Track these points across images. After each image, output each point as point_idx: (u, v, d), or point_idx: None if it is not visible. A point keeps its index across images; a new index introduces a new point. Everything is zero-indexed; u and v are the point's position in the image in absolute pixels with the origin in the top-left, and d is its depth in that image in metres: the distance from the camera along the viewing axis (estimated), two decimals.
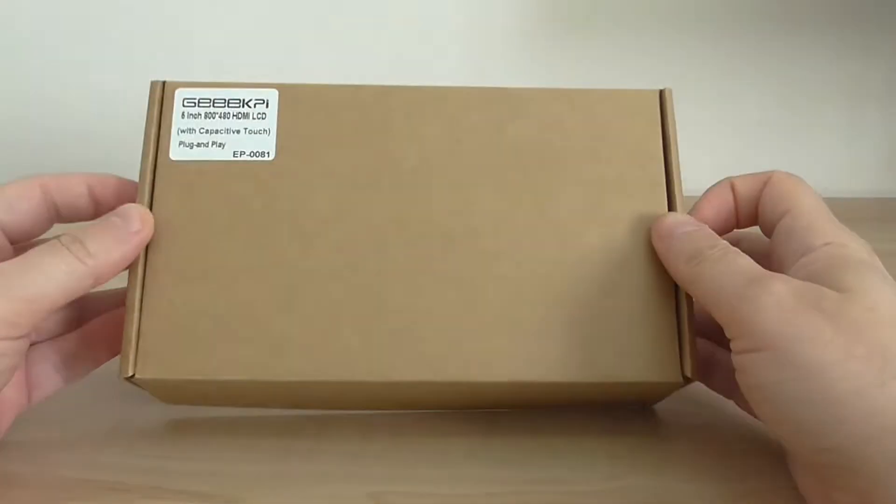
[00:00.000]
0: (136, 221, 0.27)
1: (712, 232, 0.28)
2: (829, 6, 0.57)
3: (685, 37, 0.57)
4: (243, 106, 0.30)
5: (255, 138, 0.29)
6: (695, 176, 0.59)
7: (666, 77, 0.59)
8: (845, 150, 0.60)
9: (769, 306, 0.24)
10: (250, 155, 0.29)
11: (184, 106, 0.29)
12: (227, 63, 0.57)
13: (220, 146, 0.29)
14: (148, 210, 0.28)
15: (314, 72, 0.57)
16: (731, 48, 0.58)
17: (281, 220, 0.28)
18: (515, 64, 0.58)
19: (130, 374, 0.27)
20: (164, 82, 0.30)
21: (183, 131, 0.29)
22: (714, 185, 0.31)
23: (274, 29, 0.57)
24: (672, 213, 0.29)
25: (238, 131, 0.29)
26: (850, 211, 0.57)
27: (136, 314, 0.27)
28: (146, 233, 0.28)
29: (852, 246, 0.26)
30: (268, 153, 0.29)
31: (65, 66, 0.56)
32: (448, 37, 0.57)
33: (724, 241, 0.27)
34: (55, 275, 0.25)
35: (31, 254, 0.26)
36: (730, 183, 0.30)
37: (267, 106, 0.30)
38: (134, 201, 0.28)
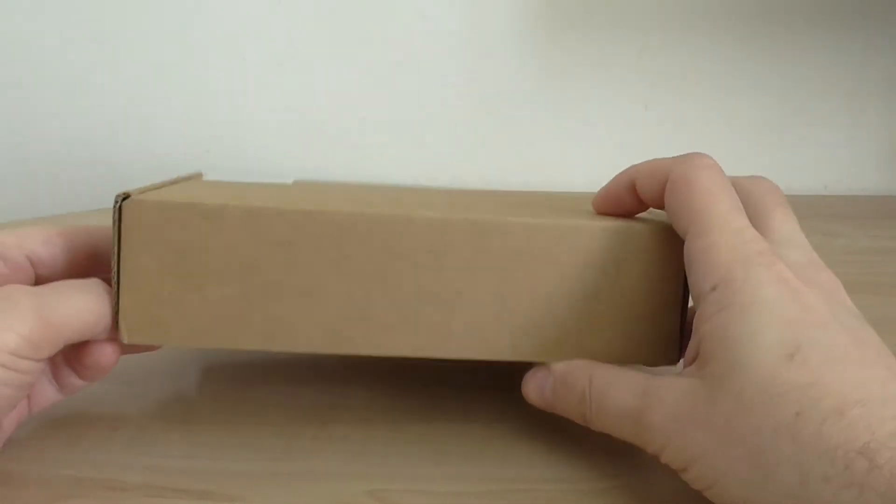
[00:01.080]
0: None
1: (570, 367, 0.28)
2: (828, 5, 0.57)
3: (685, 36, 0.57)
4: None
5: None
6: None
7: (665, 76, 0.59)
8: (846, 147, 0.60)
9: (659, 438, 0.25)
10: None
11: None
12: (226, 59, 0.57)
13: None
14: None
15: (313, 67, 0.57)
16: (731, 46, 0.58)
17: None
18: (515, 64, 0.58)
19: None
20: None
21: None
22: (614, 180, 0.30)
23: (273, 27, 0.56)
24: (529, 376, 0.29)
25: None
26: (851, 208, 0.58)
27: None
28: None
29: (737, 282, 0.24)
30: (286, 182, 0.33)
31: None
32: (448, 35, 0.57)
33: (591, 367, 0.28)
34: (85, 308, 0.26)
35: (68, 283, 0.26)
36: (630, 182, 0.29)
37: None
38: None
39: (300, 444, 0.30)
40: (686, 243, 0.26)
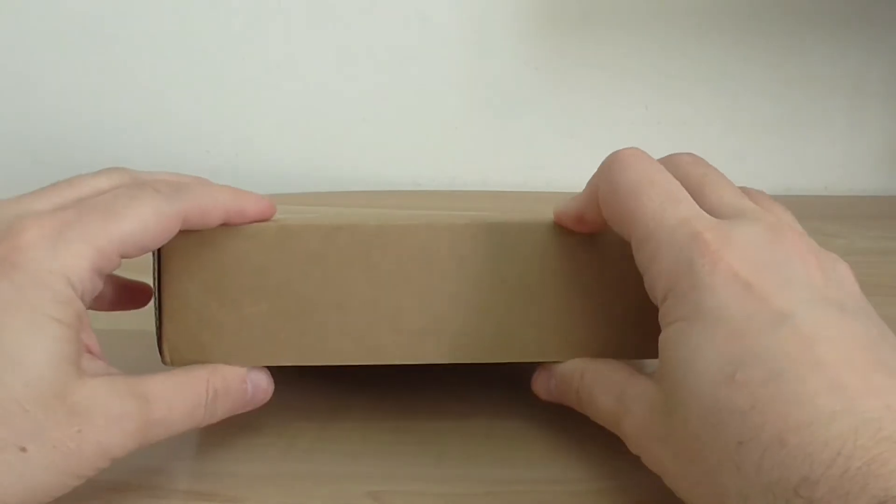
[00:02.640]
0: (262, 394, 0.28)
1: (566, 368, 0.28)
2: (829, 5, 0.57)
3: (685, 36, 0.57)
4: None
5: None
6: None
7: (665, 76, 0.59)
8: (846, 147, 0.60)
9: (633, 448, 0.25)
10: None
11: None
12: (226, 59, 0.57)
13: None
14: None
15: (313, 67, 0.57)
16: (732, 47, 0.58)
17: None
18: (516, 64, 0.58)
19: None
20: None
21: None
22: (563, 212, 0.28)
23: (273, 27, 0.56)
24: (536, 376, 0.30)
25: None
26: (851, 208, 0.58)
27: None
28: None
29: (681, 293, 0.23)
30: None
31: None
32: (448, 36, 0.57)
33: (582, 363, 0.28)
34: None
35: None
36: (577, 217, 0.28)
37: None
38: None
39: (300, 444, 0.30)
40: (633, 253, 0.25)
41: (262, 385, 0.28)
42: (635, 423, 0.25)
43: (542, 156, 0.60)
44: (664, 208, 0.24)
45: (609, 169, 0.26)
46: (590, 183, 0.27)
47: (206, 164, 0.59)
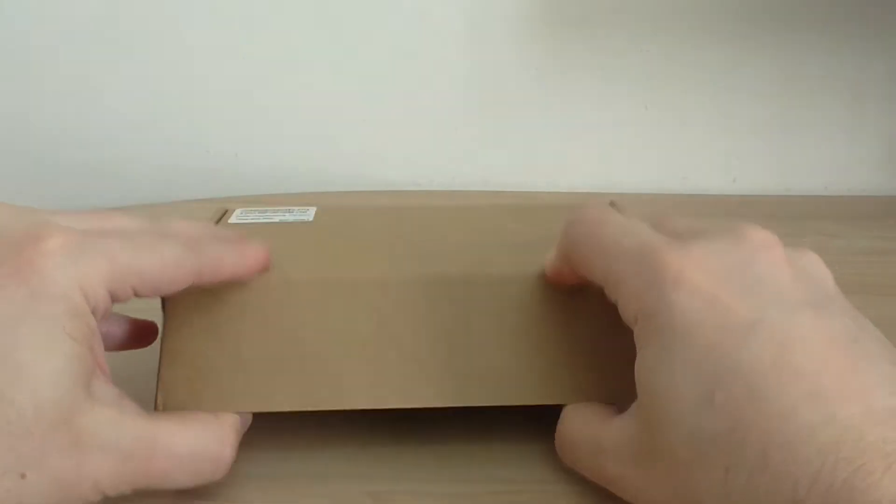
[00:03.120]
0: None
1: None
2: (829, 5, 0.57)
3: (685, 36, 0.57)
4: (287, 213, 0.36)
5: (298, 215, 0.35)
6: (695, 175, 0.60)
7: (666, 76, 0.59)
8: (846, 147, 0.60)
9: (618, 477, 0.24)
10: (293, 217, 0.35)
11: (239, 216, 0.35)
12: (226, 59, 0.57)
13: (267, 218, 0.35)
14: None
15: (313, 68, 0.57)
16: (732, 46, 0.58)
17: None
18: (516, 64, 0.58)
19: None
20: (225, 210, 0.36)
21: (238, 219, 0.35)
22: (546, 271, 0.28)
23: (273, 27, 0.56)
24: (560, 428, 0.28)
25: (284, 217, 0.35)
26: (851, 208, 0.58)
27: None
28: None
29: (650, 315, 0.23)
30: (308, 217, 0.35)
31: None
32: (449, 36, 0.57)
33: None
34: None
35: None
36: (556, 274, 0.28)
37: (306, 213, 0.36)
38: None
39: (300, 444, 0.30)
40: (605, 290, 0.25)
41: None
42: (616, 460, 0.24)
43: (541, 156, 0.60)
44: (622, 238, 0.24)
45: (569, 224, 0.26)
46: (557, 242, 0.27)
47: (207, 164, 0.59)
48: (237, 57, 0.57)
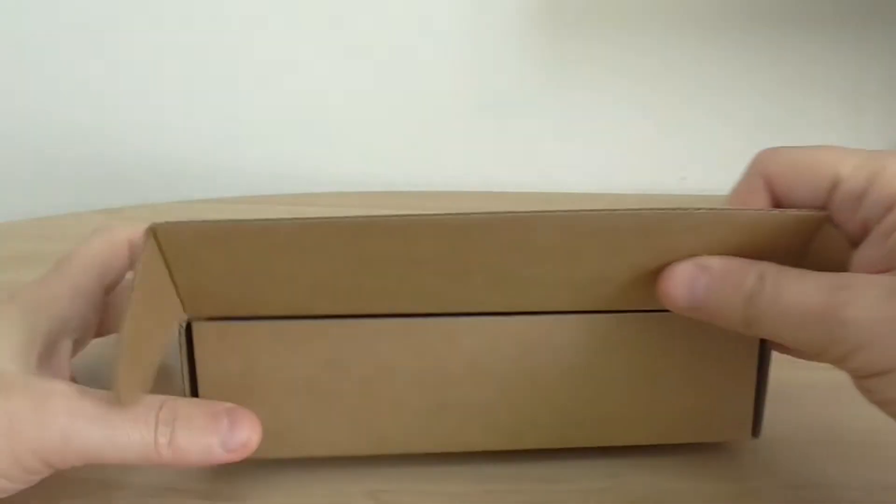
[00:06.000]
0: (245, 434, 0.25)
1: (731, 264, 0.25)
2: (829, 5, 0.57)
3: (685, 37, 0.57)
4: None
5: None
6: (695, 175, 0.60)
7: (665, 76, 0.59)
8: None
9: (854, 337, 0.21)
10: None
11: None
12: (226, 59, 0.57)
13: None
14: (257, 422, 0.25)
15: (313, 68, 0.57)
16: (732, 47, 0.58)
17: None
18: (516, 65, 0.58)
19: None
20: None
21: None
22: (743, 188, 0.27)
23: (273, 27, 0.57)
24: (674, 271, 0.25)
25: None
26: None
27: None
28: (247, 451, 0.25)
29: None
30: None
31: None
32: (448, 36, 0.57)
33: (758, 265, 0.24)
34: (125, 448, 0.24)
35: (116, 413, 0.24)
36: (761, 181, 0.27)
37: None
38: None
39: None
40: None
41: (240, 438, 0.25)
42: (867, 308, 0.21)
43: (542, 156, 0.60)
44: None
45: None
46: (761, 168, 0.27)
47: (206, 164, 0.59)
48: (237, 57, 0.57)
